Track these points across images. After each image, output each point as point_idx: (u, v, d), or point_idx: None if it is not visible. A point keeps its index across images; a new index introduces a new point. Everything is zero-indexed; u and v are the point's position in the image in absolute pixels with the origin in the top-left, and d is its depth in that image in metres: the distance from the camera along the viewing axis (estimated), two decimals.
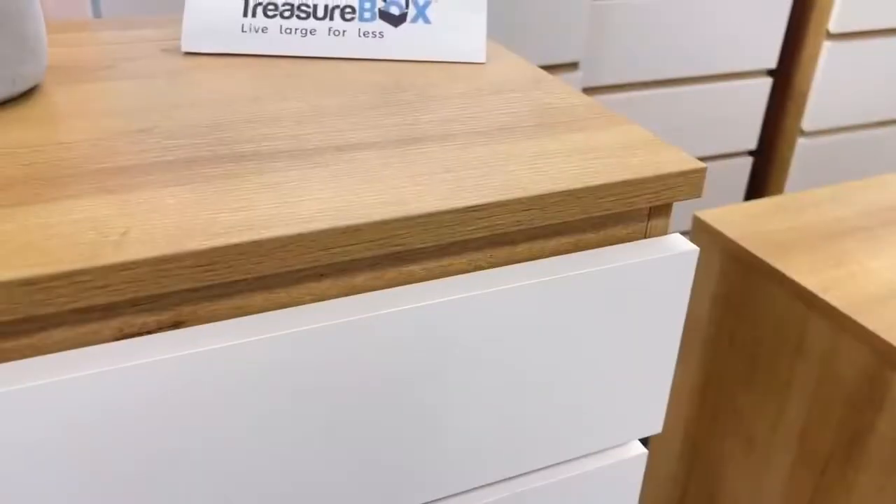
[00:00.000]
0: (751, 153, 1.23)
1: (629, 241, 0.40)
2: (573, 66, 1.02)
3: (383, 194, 0.34)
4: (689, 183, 0.37)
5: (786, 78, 1.21)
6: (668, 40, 1.07)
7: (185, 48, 0.50)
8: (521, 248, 0.38)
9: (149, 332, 0.32)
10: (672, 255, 0.38)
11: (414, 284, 0.35)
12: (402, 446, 0.37)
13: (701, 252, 0.80)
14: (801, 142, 1.22)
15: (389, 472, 0.38)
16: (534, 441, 0.41)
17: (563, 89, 0.47)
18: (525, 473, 0.42)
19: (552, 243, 0.38)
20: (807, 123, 1.20)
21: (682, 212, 1.19)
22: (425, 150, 0.39)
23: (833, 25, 1.13)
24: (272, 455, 0.35)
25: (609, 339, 0.39)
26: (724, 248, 0.77)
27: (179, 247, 0.30)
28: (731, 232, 0.76)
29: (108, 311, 0.31)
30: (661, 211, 0.39)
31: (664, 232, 0.40)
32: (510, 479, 0.42)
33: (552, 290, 0.36)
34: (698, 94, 1.13)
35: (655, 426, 0.44)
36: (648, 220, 0.39)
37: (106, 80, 0.46)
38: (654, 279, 0.39)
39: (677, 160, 0.38)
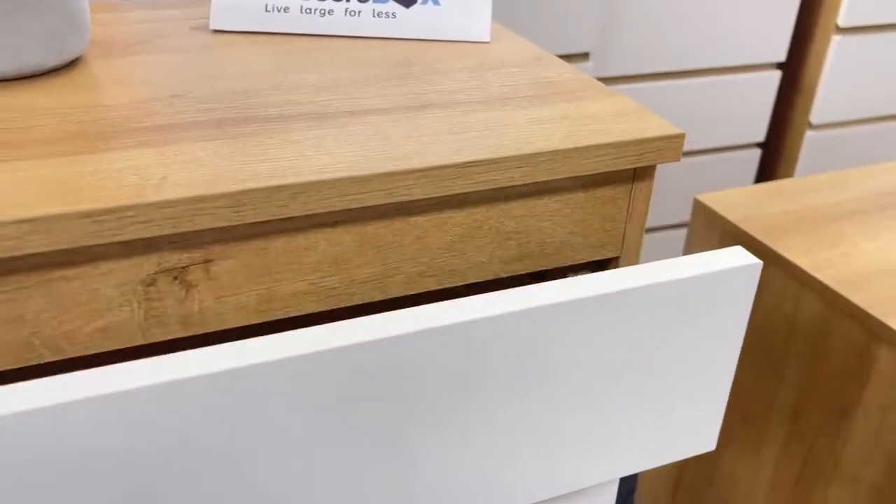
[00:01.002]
0: (759, 145, 1.26)
1: (616, 202, 0.44)
2: (584, 56, 1.06)
3: (392, 151, 0.39)
4: (670, 147, 0.42)
5: (794, 71, 1.25)
6: (679, 33, 1.11)
7: (212, 26, 0.55)
8: (516, 205, 0.42)
9: (182, 268, 0.37)
10: (733, 267, 0.38)
11: (470, 298, 0.35)
12: (458, 461, 0.37)
13: (700, 234, 0.84)
14: (808, 134, 1.25)
15: (436, 488, 0.37)
16: (588, 457, 0.40)
17: (562, 66, 0.51)
18: (578, 491, 0.42)
19: (544, 201, 0.43)
20: (815, 116, 1.23)
21: (685, 205, 1.23)
22: (430, 115, 0.43)
23: (842, 20, 1.16)
24: (326, 469, 0.34)
25: (667, 355, 0.39)
26: (723, 230, 0.81)
27: (212, 189, 0.35)
28: (731, 214, 0.80)
29: (148, 246, 0.36)
30: (645, 173, 0.44)
31: (648, 195, 0.45)
32: (562, 497, 0.42)
33: (612, 304, 0.36)
34: (708, 86, 1.17)
35: (709, 443, 0.43)
36: (633, 182, 0.44)
37: (141, 54, 0.51)
38: (715, 293, 0.38)
39: (659, 126, 0.42)
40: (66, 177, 0.35)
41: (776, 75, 1.20)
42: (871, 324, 0.67)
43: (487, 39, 0.55)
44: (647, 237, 1.26)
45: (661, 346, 0.38)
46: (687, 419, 0.42)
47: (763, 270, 0.77)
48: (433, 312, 0.33)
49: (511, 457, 0.38)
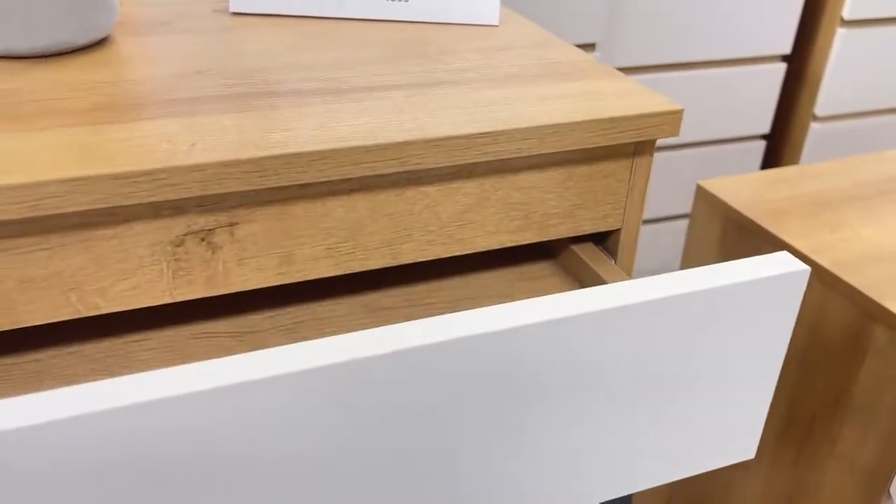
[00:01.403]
0: (764, 137, 1.29)
1: (618, 175, 0.47)
2: (590, 47, 1.08)
3: (404, 123, 0.42)
4: (669, 122, 0.44)
5: (800, 64, 1.26)
6: (685, 24, 1.13)
7: (232, 9, 0.58)
8: (522, 177, 0.45)
9: (209, 230, 0.40)
10: (779, 274, 0.37)
11: (516, 302, 0.35)
12: (503, 465, 0.37)
13: (702, 220, 0.86)
14: (813, 126, 1.27)
15: (482, 491, 0.38)
16: (630, 465, 0.40)
17: (568, 49, 0.54)
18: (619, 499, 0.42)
19: (550, 173, 0.45)
20: (819, 108, 1.25)
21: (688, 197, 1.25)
22: (442, 92, 0.46)
23: (847, 12, 1.18)
24: (378, 474, 0.35)
25: (711, 362, 0.38)
26: (724, 216, 0.83)
27: (237, 155, 0.38)
28: (732, 200, 0.82)
29: (177, 209, 0.39)
30: (645, 148, 0.46)
31: (648, 169, 0.47)
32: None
33: (658, 311, 0.36)
34: (713, 77, 1.19)
35: (749, 451, 0.43)
36: (634, 156, 0.46)
37: (165, 34, 0.54)
38: (761, 299, 0.37)
39: (659, 103, 0.45)
40: (101, 143, 0.38)
41: (781, 67, 1.22)
42: (867, 305, 0.69)
43: (497, 23, 0.57)
44: (652, 227, 1.28)
45: (704, 354, 0.38)
46: (728, 427, 0.41)
47: (763, 253, 0.79)
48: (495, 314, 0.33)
49: (554, 464, 0.38)
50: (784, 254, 0.39)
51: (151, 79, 0.46)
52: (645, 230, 1.28)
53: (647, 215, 1.27)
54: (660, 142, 1.19)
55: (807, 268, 0.38)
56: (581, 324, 0.34)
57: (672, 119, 0.44)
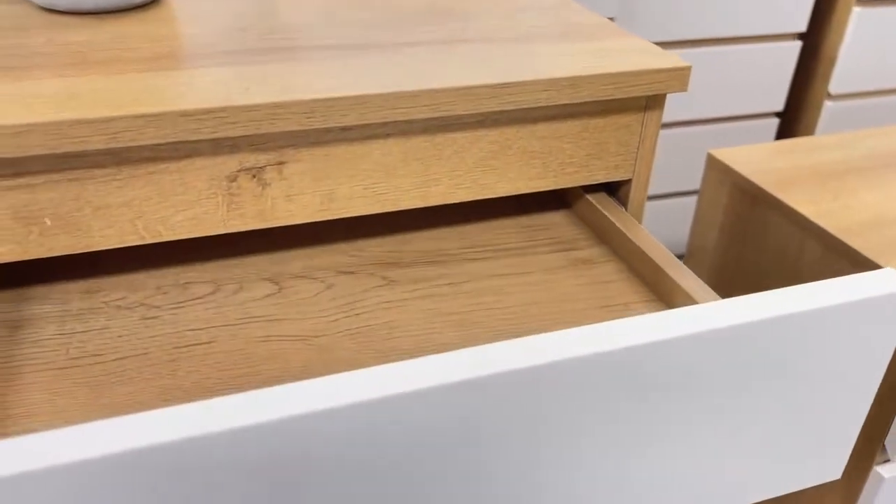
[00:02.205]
0: (778, 115, 1.32)
1: (630, 128, 0.51)
2: None
3: (435, 73, 0.47)
4: (678, 78, 0.49)
5: (815, 41, 1.30)
6: (702, 2, 1.16)
7: None
8: (541, 127, 0.50)
9: (260, 167, 0.45)
10: (883, 294, 0.36)
11: (607, 323, 0.35)
12: (591, 484, 0.37)
13: (712, 188, 0.91)
14: (827, 104, 1.30)
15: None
16: (716, 485, 0.40)
17: (587, 12, 0.58)
18: None
19: (567, 124, 0.50)
20: (833, 87, 1.28)
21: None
22: (468, 48, 0.51)
23: None
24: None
25: (809, 381, 0.38)
26: (733, 183, 0.87)
27: (288, 97, 0.43)
28: (741, 168, 0.87)
29: (234, 146, 0.44)
30: (656, 102, 0.51)
31: (658, 123, 0.52)
32: None
33: (758, 330, 0.35)
34: (728, 55, 1.22)
35: (836, 472, 0.42)
36: (645, 110, 0.51)
37: None
38: (862, 319, 0.37)
39: (669, 60, 0.49)
40: (168, 86, 0.43)
41: (796, 45, 1.25)
42: (866, 266, 0.73)
43: None
44: (665, 202, 1.33)
45: (803, 374, 0.37)
46: (818, 447, 0.41)
47: (769, 219, 0.83)
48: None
49: (645, 483, 0.38)
50: (888, 271, 0.38)
51: (203, 33, 0.52)
52: (659, 205, 1.32)
53: (661, 190, 1.31)
54: (674, 117, 1.23)
55: None
56: (676, 345, 0.34)
57: (680, 75, 0.49)
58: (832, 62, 1.28)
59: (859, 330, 0.37)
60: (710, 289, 0.47)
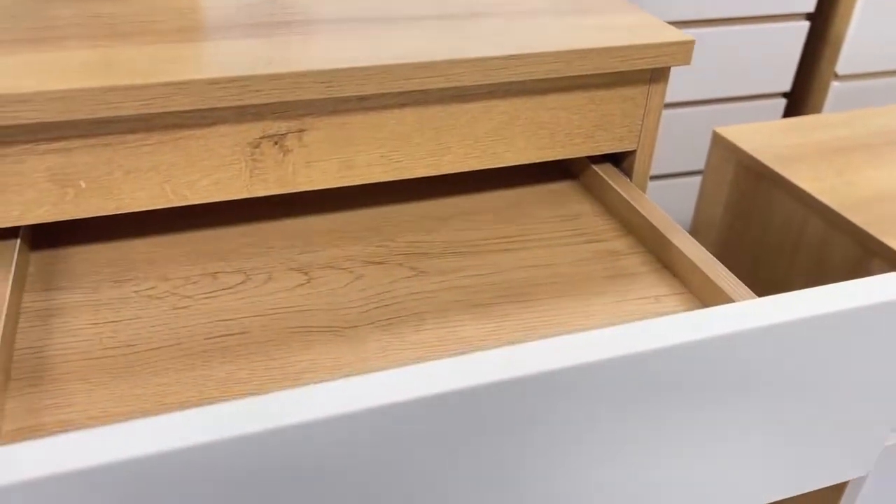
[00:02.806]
0: (784, 95, 1.34)
1: (635, 100, 0.54)
2: None
3: (448, 46, 0.49)
4: (682, 51, 0.51)
5: (823, 22, 1.31)
6: None
7: None
8: (550, 98, 0.52)
9: (281, 135, 0.48)
10: None
11: (651, 321, 0.35)
12: (635, 477, 0.38)
13: (717, 164, 0.93)
14: (834, 85, 1.32)
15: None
16: (751, 480, 0.41)
17: None
18: None
19: (574, 95, 0.52)
20: (841, 67, 1.30)
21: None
22: (479, 22, 0.53)
23: None
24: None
25: (844, 381, 0.39)
26: (738, 161, 0.90)
27: (309, 67, 0.45)
28: (746, 145, 0.89)
29: (257, 114, 0.47)
30: (660, 75, 0.53)
31: (662, 96, 0.54)
32: None
33: (794, 330, 0.36)
34: (736, 35, 1.24)
35: (866, 467, 0.43)
36: (650, 83, 0.53)
37: None
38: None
39: (673, 34, 0.51)
40: (194, 56, 0.46)
41: (804, 26, 1.27)
42: (867, 240, 0.76)
43: None
44: (672, 181, 1.35)
45: (838, 373, 0.38)
46: (849, 444, 0.41)
47: (772, 195, 0.86)
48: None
49: (685, 479, 0.39)
50: None
51: (227, 6, 0.54)
52: (666, 184, 1.34)
53: (667, 169, 1.33)
54: (681, 97, 1.24)
55: None
56: (714, 343, 0.35)
57: (684, 48, 0.51)
58: (839, 43, 1.29)
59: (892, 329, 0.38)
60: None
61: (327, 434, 0.30)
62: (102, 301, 0.47)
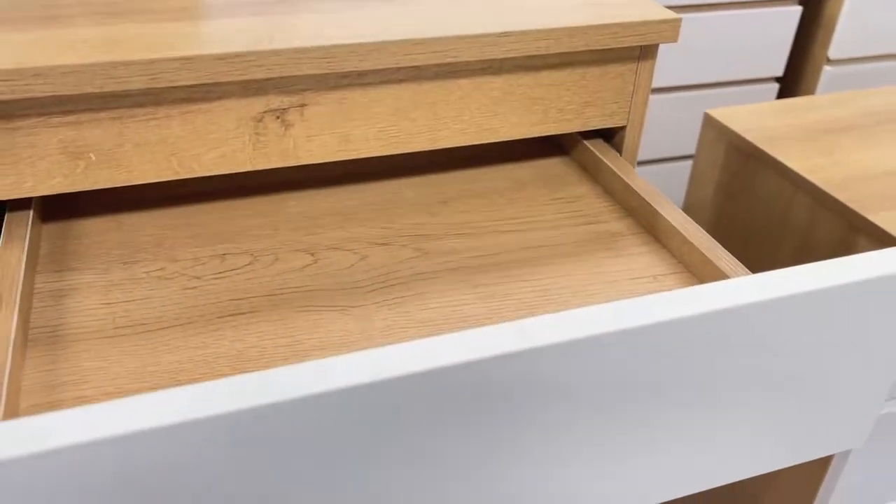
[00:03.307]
0: (777, 80, 1.36)
1: (625, 77, 0.56)
2: None
3: (444, 22, 0.51)
4: (669, 28, 0.53)
5: (815, 6, 1.33)
6: None
7: None
8: (543, 75, 0.54)
9: (283, 109, 0.50)
10: None
11: (648, 297, 0.36)
12: (623, 460, 0.39)
13: (708, 146, 0.95)
14: (826, 69, 1.34)
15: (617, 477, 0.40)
16: (743, 453, 0.42)
17: None
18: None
19: (566, 72, 0.55)
20: (833, 52, 1.32)
21: None
22: (473, 1, 0.55)
23: None
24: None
25: (835, 355, 0.40)
26: (728, 141, 0.92)
27: (309, 43, 0.47)
28: (736, 126, 0.91)
29: (260, 89, 0.49)
30: (649, 52, 0.55)
31: (651, 73, 0.56)
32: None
33: (790, 305, 0.37)
34: (729, 19, 1.26)
35: (858, 440, 0.44)
36: (639, 60, 0.56)
37: None
38: (891, 294, 0.38)
39: (661, 12, 0.54)
40: (199, 33, 0.48)
41: (797, 10, 1.29)
42: (852, 218, 0.78)
43: None
44: (665, 166, 1.37)
45: (828, 347, 0.39)
46: (842, 417, 0.42)
47: (761, 174, 0.88)
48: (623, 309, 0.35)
49: (660, 460, 0.40)
50: None
51: None
52: (658, 168, 1.37)
53: (661, 154, 1.35)
54: (674, 81, 1.27)
55: None
56: (701, 322, 0.35)
57: (672, 26, 0.53)
58: (832, 27, 1.31)
59: (889, 305, 0.39)
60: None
61: (340, 405, 0.31)
62: (114, 282, 0.49)
